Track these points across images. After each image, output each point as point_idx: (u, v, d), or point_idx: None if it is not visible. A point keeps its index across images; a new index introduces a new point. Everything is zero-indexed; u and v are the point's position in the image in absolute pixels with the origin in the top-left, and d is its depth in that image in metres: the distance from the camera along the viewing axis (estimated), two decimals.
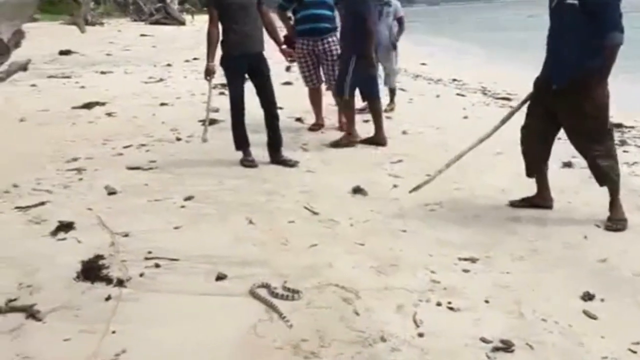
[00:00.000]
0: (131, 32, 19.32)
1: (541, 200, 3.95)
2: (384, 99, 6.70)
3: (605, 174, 3.63)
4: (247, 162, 4.87)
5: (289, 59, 5.50)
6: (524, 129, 3.82)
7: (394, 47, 7.04)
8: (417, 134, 6.06)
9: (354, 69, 5.26)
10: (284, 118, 6.64)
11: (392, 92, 7.35)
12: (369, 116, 5.85)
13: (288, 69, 6.31)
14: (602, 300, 2.75)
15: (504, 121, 3.86)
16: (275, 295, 2.72)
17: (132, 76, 9.74)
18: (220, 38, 4.69)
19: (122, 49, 14.03)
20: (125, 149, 5.30)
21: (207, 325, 2.49)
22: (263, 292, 2.76)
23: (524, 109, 3.87)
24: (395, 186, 4.33)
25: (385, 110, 7.14)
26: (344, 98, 5.47)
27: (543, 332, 2.47)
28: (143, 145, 5.44)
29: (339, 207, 3.92)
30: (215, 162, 4.92)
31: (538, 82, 3.68)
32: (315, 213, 3.82)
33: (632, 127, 6.99)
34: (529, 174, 3.95)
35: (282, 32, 5.92)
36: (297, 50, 5.80)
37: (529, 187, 4.42)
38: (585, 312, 2.63)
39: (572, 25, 3.33)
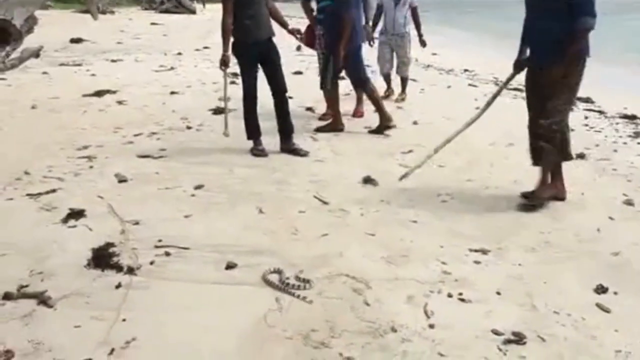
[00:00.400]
0: (142, 20, 19.28)
1: (552, 189, 3.89)
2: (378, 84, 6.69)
3: (544, 155, 3.72)
4: (257, 151, 4.86)
5: (298, 36, 5.51)
6: (530, 116, 3.83)
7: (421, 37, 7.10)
8: (428, 124, 6.01)
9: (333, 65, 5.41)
10: (294, 107, 6.60)
11: (404, 82, 7.29)
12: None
13: (299, 48, 6.35)
14: (616, 293, 2.72)
15: (488, 104, 3.91)
16: (287, 285, 2.71)
17: (143, 64, 9.71)
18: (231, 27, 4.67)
19: (133, 37, 14.00)
20: (135, 137, 5.30)
21: (217, 314, 2.49)
22: (275, 278, 2.77)
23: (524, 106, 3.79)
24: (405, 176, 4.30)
25: (397, 100, 7.14)
26: (326, 89, 5.69)
27: (555, 324, 2.45)
28: (153, 133, 5.43)
29: (349, 197, 3.90)
30: (225, 151, 4.91)
31: (525, 64, 3.81)
32: (325, 203, 3.80)
33: None
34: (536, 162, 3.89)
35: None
36: (318, 37, 5.92)
37: None
38: (599, 305, 2.60)
39: (552, 11, 3.51)
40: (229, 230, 3.36)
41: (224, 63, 4.73)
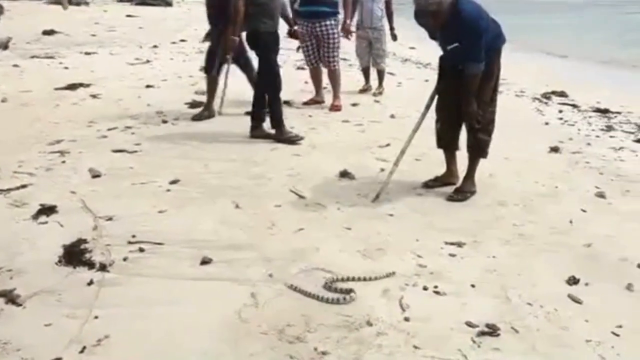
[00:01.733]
0: (117, 12, 18.92)
1: (451, 176, 4.02)
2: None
3: (482, 146, 3.83)
4: (295, 135, 5.08)
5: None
6: (439, 107, 3.90)
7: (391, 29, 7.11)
8: (405, 117, 6.01)
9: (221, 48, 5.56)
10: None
11: (381, 75, 7.31)
12: None
13: (299, 49, 6.53)
14: (587, 284, 2.76)
15: (427, 106, 3.88)
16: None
17: (118, 57, 9.55)
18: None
19: (107, 29, 13.74)
20: (110, 131, 5.21)
21: (191, 310, 2.46)
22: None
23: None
24: (382, 170, 4.30)
25: (374, 94, 7.17)
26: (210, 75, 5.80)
27: (528, 316, 2.48)
28: (128, 127, 5.34)
29: (326, 191, 3.89)
30: (202, 145, 4.86)
31: (444, 65, 3.86)
32: (302, 197, 3.79)
33: (618, 113, 7.03)
34: (442, 146, 4.02)
35: None
36: (298, 30, 6.18)
37: (516, 171, 4.44)
38: (570, 297, 2.64)
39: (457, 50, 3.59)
40: (204, 225, 3.33)
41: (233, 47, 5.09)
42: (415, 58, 11.50)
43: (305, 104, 6.44)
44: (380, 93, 7.21)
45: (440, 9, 3.38)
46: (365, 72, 7.35)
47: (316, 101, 6.53)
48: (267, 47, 4.97)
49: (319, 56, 6.30)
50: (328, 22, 6.06)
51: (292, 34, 6.29)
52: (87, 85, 7.10)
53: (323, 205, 3.65)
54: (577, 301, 2.61)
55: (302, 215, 3.51)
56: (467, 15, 3.44)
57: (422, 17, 3.44)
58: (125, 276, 2.73)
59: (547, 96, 8.03)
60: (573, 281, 2.77)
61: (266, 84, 5.06)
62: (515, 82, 8.88)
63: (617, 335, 2.34)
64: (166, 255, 2.95)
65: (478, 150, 3.87)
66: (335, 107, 6.32)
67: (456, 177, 4.02)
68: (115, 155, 4.56)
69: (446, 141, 3.98)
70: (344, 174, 4.18)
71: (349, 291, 2.59)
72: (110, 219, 3.33)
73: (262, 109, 5.12)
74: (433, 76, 9.36)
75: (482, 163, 4.01)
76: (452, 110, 3.80)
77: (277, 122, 5.05)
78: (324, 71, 6.54)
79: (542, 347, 2.26)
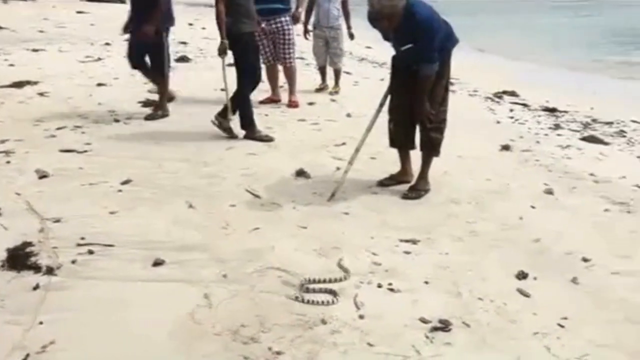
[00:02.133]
0: (67, 8, 18.31)
1: (405, 175, 4.07)
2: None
3: (435, 144, 3.89)
4: (263, 136, 5.06)
5: None
6: (392, 107, 3.95)
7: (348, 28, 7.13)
8: (361, 116, 6.02)
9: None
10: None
11: (338, 74, 7.34)
12: None
13: None
14: (535, 278, 2.84)
15: (381, 105, 3.95)
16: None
17: (68, 55, 9.25)
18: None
19: (56, 25, 13.28)
20: (58, 130, 5.04)
21: (142, 313, 2.41)
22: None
23: None
24: (338, 169, 4.31)
25: (330, 93, 7.19)
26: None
27: (479, 310, 2.53)
28: (78, 127, 5.19)
29: (281, 190, 3.88)
30: (155, 145, 4.76)
31: (397, 66, 3.91)
32: (257, 196, 3.76)
33: (566, 112, 7.27)
34: (395, 145, 4.06)
35: None
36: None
37: (469, 169, 4.53)
38: (519, 291, 2.71)
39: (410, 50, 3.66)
40: (157, 226, 3.26)
41: (224, 51, 4.88)
42: (371, 57, 11.59)
43: (262, 102, 6.40)
44: (337, 92, 7.23)
45: (395, 12, 3.43)
46: (322, 71, 7.37)
47: (272, 100, 6.52)
48: (248, 48, 4.95)
49: (275, 53, 6.31)
50: (283, 19, 6.15)
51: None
52: (35, 83, 6.85)
53: (278, 205, 3.63)
54: (526, 295, 2.68)
55: (257, 214, 3.49)
56: (420, 17, 3.51)
57: (377, 20, 3.48)
58: (73, 279, 2.64)
59: (499, 95, 8.23)
60: (522, 276, 2.85)
61: (248, 84, 5.04)
62: (469, 82, 9.07)
63: (563, 326, 2.42)
64: (117, 257, 2.88)
65: (431, 149, 3.92)
66: (292, 103, 6.39)
67: (410, 176, 4.07)
68: (64, 155, 4.42)
69: (399, 141, 4.03)
70: (300, 173, 4.18)
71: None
72: (57, 220, 3.23)
73: (251, 108, 5.16)
74: (389, 75, 9.50)
75: (436, 161, 4.09)
76: (405, 110, 3.85)
77: (247, 122, 5.09)
78: (280, 69, 6.54)
79: (491, 340, 2.31)
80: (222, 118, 5.05)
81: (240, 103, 5.07)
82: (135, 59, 5.65)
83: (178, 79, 7.55)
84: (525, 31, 19.28)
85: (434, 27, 3.59)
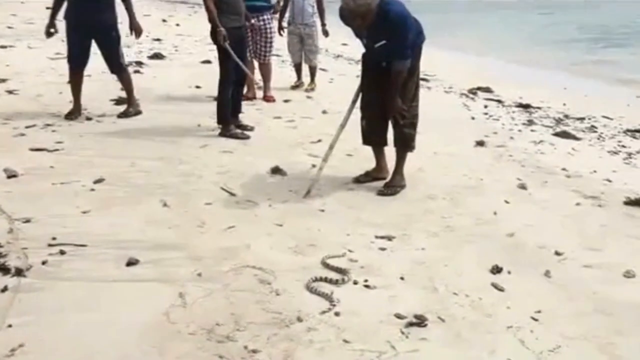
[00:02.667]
0: (36, 3, 17.94)
1: (380, 171, 4.09)
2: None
3: (408, 140, 3.94)
4: (238, 133, 5.04)
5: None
6: (364, 104, 3.97)
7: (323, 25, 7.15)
8: (337, 113, 6.00)
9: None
10: (203, 97, 6.49)
11: (313, 71, 7.33)
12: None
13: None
14: (509, 272, 2.87)
15: (353, 102, 3.98)
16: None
17: (37, 51, 9.03)
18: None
19: (25, 21, 12.96)
20: (28, 129, 4.93)
21: (116, 313, 2.37)
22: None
23: None
24: (314, 166, 4.30)
25: (306, 90, 7.19)
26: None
27: (454, 305, 2.55)
28: (48, 125, 5.08)
29: (257, 188, 3.86)
30: (128, 143, 4.70)
31: (368, 63, 3.94)
32: (232, 194, 3.73)
33: (539, 108, 7.39)
34: (368, 143, 4.09)
35: None
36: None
37: (444, 165, 4.57)
38: (494, 285, 2.74)
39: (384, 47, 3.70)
40: (130, 225, 3.21)
41: (225, 38, 4.79)
42: (347, 54, 11.60)
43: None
44: (312, 89, 7.23)
45: (369, 10, 3.45)
46: (297, 69, 7.36)
47: (247, 97, 6.45)
48: (232, 44, 4.89)
49: (254, 50, 6.36)
50: (266, 17, 6.26)
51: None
52: (3, 81, 6.70)
53: (254, 203, 3.61)
54: (500, 289, 2.71)
55: (232, 212, 3.46)
56: (394, 15, 3.55)
57: (351, 18, 3.51)
58: (44, 281, 2.58)
59: (473, 92, 8.32)
60: (496, 270, 2.87)
61: (229, 81, 5.01)
62: (444, 79, 9.15)
63: (536, 320, 2.45)
64: (89, 258, 2.83)
65: (405, 144, 3.96)
66: (268, 98, 6.46)
67: (386, 172, 4.09)
68: (34, 154, 4.32)
69: (372, 138, 4.06)
70: (276, 171, 4.16)
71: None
72: (27, 221, 3.15)
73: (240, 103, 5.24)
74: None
75: (411, 158, 4.11)
76: (377, 107, 3.89)
77: (221, 118, 5.09)
78: (256, 66, 6.54)
79: (466, 335, 2.33)
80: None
81: (218, 99, 5.05)
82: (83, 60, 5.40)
83: (152, 76, 7.49)
84: (498, 28, 19.52)
85: (407, 24, 3.63)
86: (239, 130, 5.09)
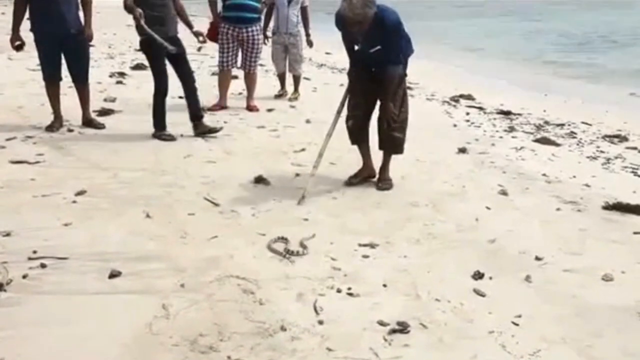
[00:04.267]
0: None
1: (368, 170, 4.29)
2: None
3: (399, 144, 4.18)
4: (168, 135, 5.17)
5: (201, 39, 5.73)
6: (351, 106, 4.18)
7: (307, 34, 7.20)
8: (321, 122, 6.05)
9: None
10: (186, 107, 6.47)
11: (297, 80, 7.36)
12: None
13: (199, 49, 6.50)
14: (491, 278, 2.90)
15: (339, 112, 4.16)
16: (288, 252, 3.04)
17: (18, 63, 8.95)
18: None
19: (6, 33, 12.92)
20: (8, 141, 4.89)
21: (98, 326, 2.35)
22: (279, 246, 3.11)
23: None
24: (297, 175, 4.34)
25: (290, 99, 7.21)
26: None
27: (437, 311, 2.57)
28: (29, 137, 5.04)
29: (240, 198, 3.86)
30: (110, 154, 4.68)
31: (357, 71, 4.13)
32: (216, 204, 3.73)
33: (520, 115, 7.48)
34: (356, 142, 4.29)
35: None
36: (221, 33, 6.30)
37: (426, 172, 4.61)
38: (475, 291, 2.77)
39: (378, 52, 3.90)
40: (113, 237, 3.20)
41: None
42: (331, 63, 11.67)
43: (210, 109, 6.37)
44: (296, 98, 7.27)
45: (366, 18, 3.63)
46: (281, 78, 7.39)
47: (221, 106, 6.53)
48: (158, 54, 5.05)
49: (235, 60, 6.43)
50: (254, 28, 6.33)
51: (196, 34, 5.93)
52: None
53: (237, 212, 3.61)
54: (481, 294, 2.74)
55: (216, 222, 3.46)
56: (390, 23, 3.77)
57: (350, 24, 3.68)
58: (24, 295, 2.56)
59: (455, 99, 8.41)
60: (478, 276, 2.91)
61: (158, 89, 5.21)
62: (426, 86, 9.23)
63: (517, 324, 2.48)
64: (71, 270, 2.81)
65: (394, 147, 4.18)
66: (252, 108, 6.53)
67: (373, 170, 4.28)
68: (14, 166, 4.28)
69: (359, 136, 4.24)
70: (259, 180, 4.16)
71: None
72: (7, 234, 3.13)
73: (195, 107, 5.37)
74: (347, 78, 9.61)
75: (394, 165, 4.17)
76: (364, 109, 4.14)
77: (157, 122, 5.26)
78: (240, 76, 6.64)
79: (448, 340, 2.35)
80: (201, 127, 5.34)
81: (154, 102, 5.24)
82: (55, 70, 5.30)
83: (135, 86, 7.47)
84: (479, 36, 19.75)
85: (401, 31, 3.87)
86: (167, 133, 5.20)
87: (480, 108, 7.85)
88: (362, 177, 4.24)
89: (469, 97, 8.63)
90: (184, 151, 4.85)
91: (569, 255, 3.19)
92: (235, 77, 7.12)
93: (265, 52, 7.47)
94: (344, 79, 9.36)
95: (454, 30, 22.37)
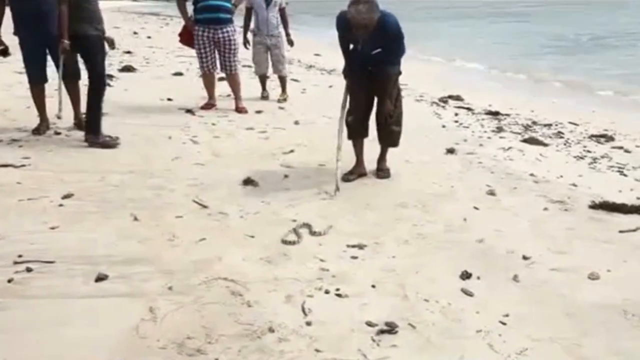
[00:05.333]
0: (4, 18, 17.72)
1: (362, 168, 4.51)
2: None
3: (396, 137, 4.50)
4: (111, 139, 4.98)
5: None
6: (353, 107, 4.38)
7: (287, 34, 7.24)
8: (309, 123, 6.10)
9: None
10: (175, 109, 6.47)
11: (283, 81, 7.40)
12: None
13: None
14: (479, 278, 2.91)
15: (343, 106, 4.38)
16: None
17: (4, 66, 8.86)
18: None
19: None
20: None
21: (84, 331, 2.33)
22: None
23: None
24: (286, 176, 4.33)
25: (279, 100, 7.23)
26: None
27: (425, 312, 2.58)
28: (15, 140, 5.00)
29: (229, 200, 3.85)
30: (98, 157, 4.65)
31: (354, 71, 4.35)
32: (204, 206, 3.72)
33: (508, 115, 7.52)
34: (353, 136, 4.48)
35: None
36: (196, 36, 6.29)
37: (415, 173, 4.62)
38: (463, 290, 2.78)
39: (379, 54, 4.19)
40: (100, 240, 3.17)
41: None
42: (319, 65, 11.67)
43: (202, 108, 6.52)
44: (285, 99, 7.28)
45: (371, 22, 3.90)
46: (263, 80, 7.42)
47: (211, 105, 6.63)
48: (96, 50, 4.94)
49: (221, 62, 6.44)
50: (228, 29, 6.31)
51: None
52: None
53: (226, 214, 3.60)
54: (469, 294, 2.75)
55: (204, 224, 3.45)
56: (392, 27, 4.05)
57: (356, 28, 3.92)
58: (9, 299, 2.54)
59: (444, 100, 8.44)
60: (466, 276, 2.92)
61: (101, 89, 5.02)
62: (415, 88, 9.25)
63: (504, 323, 2.49)
64: (57, 274, 2.79)
65: (391, 141, 4.50)
66: (241, 109, 6.52)
67: (365, 169, 4.51)
68: (0, 170, 4.24)
69: (358, 132, 4.46)
70: (248, 182, 4.16)
71: None
72: None
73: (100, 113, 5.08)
74: (337, 82, 9.62)
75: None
76: (363, 106, 4.39)
77: (97, 127, 4.99)
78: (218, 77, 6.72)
79: (436, 340, 2.35)
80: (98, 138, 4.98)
81: (91, 107, 4.99)
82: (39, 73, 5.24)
83: (123, 88, 7.43)
84: (467, 37, 19.86)
85: (401, 35, 4.13)
86: (108, 137, 5.00)
87: (469, 109, 7.87)
88: (358, 174, 4.43)
89: (458, 98, 8.66)
90: (173, 153, 4.83)
91: (556, 255, 3.21)
92: (223, 79, 7.12)
93: (249, 55, 7.49)
94: (333, 81, 9.45)
95: (443, 31, 22.49)
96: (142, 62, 9.94)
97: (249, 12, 7.08)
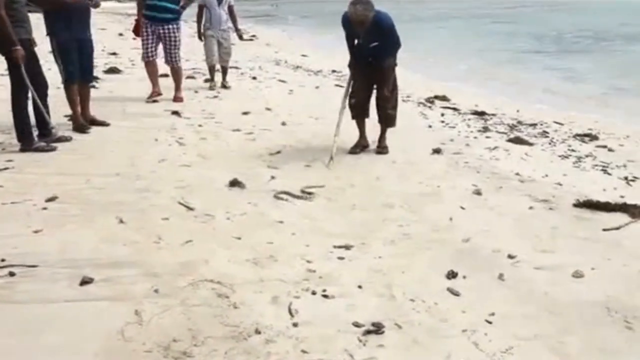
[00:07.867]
0: None
1: (364, 141, 5.23)
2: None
3: (392, 119, 5.27)
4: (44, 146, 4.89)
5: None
6: (355, 92, 5.14)
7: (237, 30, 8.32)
8: (296, 124, 6.10)
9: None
10: (161, 111, 6.43)
11: (225, 71, 8.28)
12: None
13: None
14: (465, 277, 2.92)
15: (345, 93, 5.16)
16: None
17: None
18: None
19: None
20: None
21: (69, 334, 2.32)
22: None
23: None
24: (273, 177, 4.33)
25: (222, 86, 8.15)
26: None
27: (411, 312, 2.58)
28: None
29: (215, 201, 3.83)
30: (83, 160, 4.61)
31: (357, 62, 5.11)
32: (190, 208, 3.70)
33: (494, 115, 7.57)
34: (355, 116, 5.23)
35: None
36: (142, 28, 7.08)
37: (402, 173, 4.63)
38: (449, 290, 2.79)
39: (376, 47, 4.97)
40: (85, 243, 3.15)
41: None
42: (306, 65, 11.67)
43: (148, 100, 7.06)
44: (225, 86, 8.15)
45: (367, 19, 4.64)
46: (211, 70, 8.24)
47: (157, 93, 7.21)
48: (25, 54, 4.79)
49: (156, 51, 7.12)
50: (171, 26, 7.02)
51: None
52: None
53: (212, 216, 3.59)
54: (455, 294, 2.76)
55: (190, 227, 3.43)
56: (386, 24, 4.80)
57: (355, 24, 4.69)
58: None
59: (430, 101, 8.47)
60: (452, 275, 2.93)
61: (22, 93, 4.86)
62: (402, 88, 9.26)
63: (490, 322, 2.50)
64: (41, 278, 2.76)
65: (389, 121, 5.24)
66: (177, 99, 7.13)
67: (367, 142, 5.24)
68: None
69: (360, 112, 5.20)
70: (234, 183, 4.14)
71: None
72: None
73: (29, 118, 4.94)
74: (323, 83, 9.64)
75: (370, 167, 4.21)
76: (365, 90, 5.14)
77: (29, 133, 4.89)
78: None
79: (422, 340, 2.36)
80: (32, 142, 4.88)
81: (16, 113, 4.83)
82: None
83: (108, 90, 7.39)
84: (452, 38, 19.98)
85: (394, 31, 4.90)
86: (43, 143, 4.88)
87: (455, 109, 7.92)
88: (362, 146, 5.16)
89: (444, 98, 8.70)
90: (159, 155, 4.81)
91: (541, 253, 3.23)
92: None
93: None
94: (320, 82, 9.48)
95: (428, 31, 22.58)
96: (127, 64, 9.88)
97: (201, 9, 7.95)
